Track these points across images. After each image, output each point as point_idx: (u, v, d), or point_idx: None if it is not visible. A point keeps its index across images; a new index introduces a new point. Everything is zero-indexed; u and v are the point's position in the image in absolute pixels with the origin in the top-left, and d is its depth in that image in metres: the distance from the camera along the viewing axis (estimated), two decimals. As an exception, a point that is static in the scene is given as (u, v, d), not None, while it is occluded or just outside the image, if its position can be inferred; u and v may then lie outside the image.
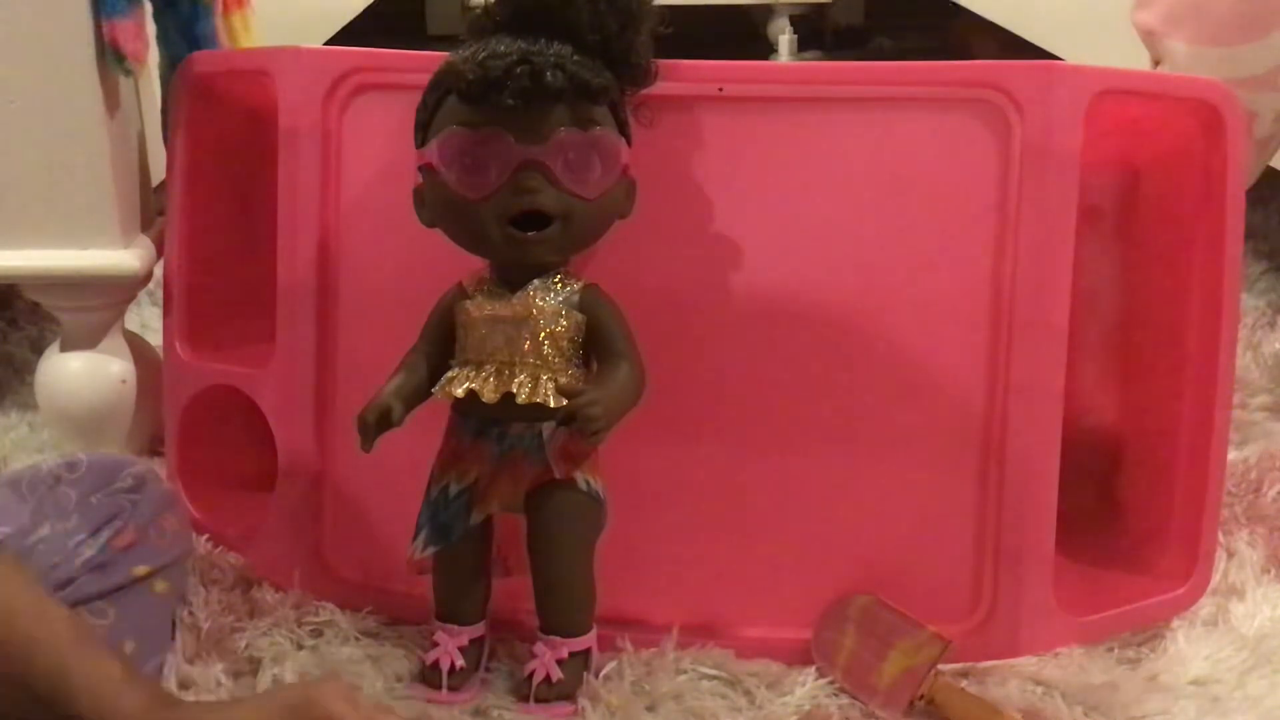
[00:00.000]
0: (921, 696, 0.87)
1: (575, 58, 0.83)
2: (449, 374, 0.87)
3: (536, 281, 0.86)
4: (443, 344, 0.89)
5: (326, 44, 1.74)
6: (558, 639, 0.89)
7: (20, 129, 1.08)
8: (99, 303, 1.14)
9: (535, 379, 0.85)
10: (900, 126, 0.91)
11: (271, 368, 1.01)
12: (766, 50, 2.31)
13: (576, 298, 0.87)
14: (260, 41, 1.25)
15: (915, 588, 0.93)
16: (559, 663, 0.88)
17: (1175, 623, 0.96)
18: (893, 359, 0.92)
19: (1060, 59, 1.38)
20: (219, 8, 1.19)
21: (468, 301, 0.88)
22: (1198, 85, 0.94)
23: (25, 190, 1.10)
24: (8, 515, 0.84)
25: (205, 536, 1.03)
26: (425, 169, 0.86)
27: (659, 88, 0.88)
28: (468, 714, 0.88)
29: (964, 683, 0.89)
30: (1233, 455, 1.12)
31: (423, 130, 0.86)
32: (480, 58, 0.82)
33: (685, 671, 0.90)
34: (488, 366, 0.86)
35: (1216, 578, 0.99)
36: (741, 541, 0.94)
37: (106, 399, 1.16)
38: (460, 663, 0.89)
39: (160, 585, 0.90)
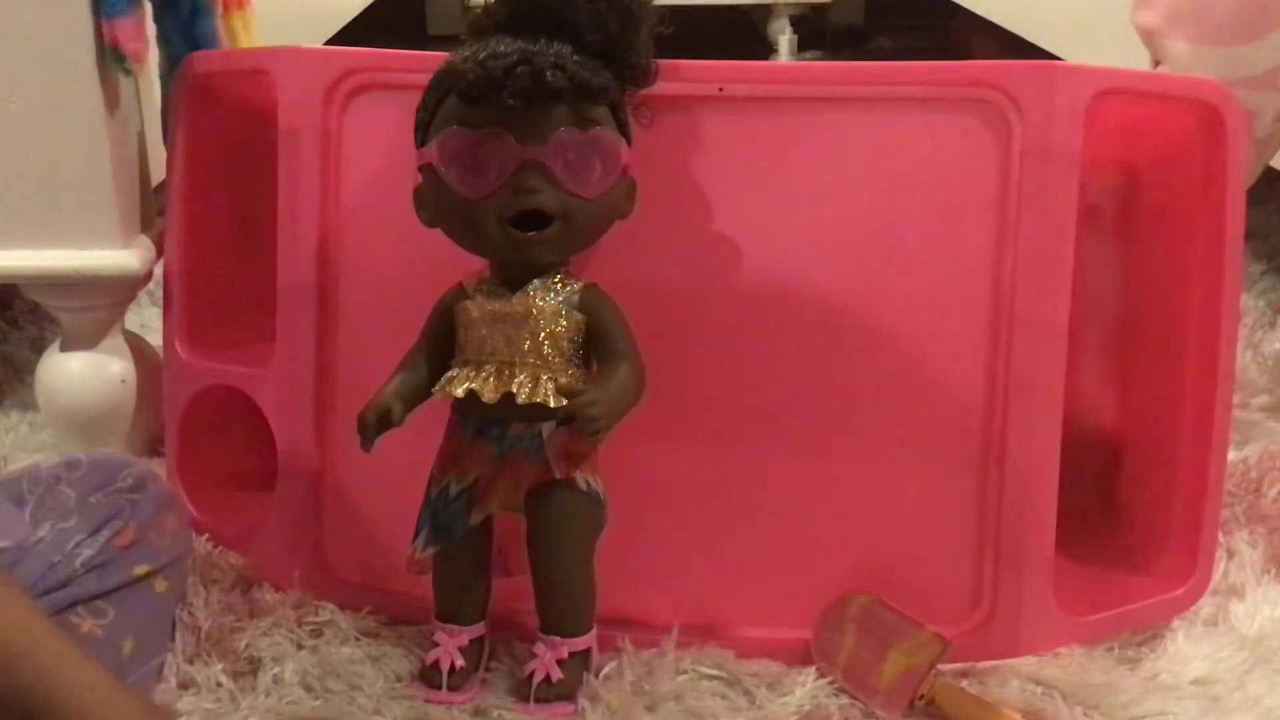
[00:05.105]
0: (921, 696, 0.87)
1: (575, 58, 0.82)
2: (449, 374, 0.87)
3: (536, 281, 0.86)
4: (443, 344, 0.89)
5: (326, 44, 1.75)
6: (558, 639, 0.89)
7: (20, 129, 1.08)
8: (99, 303, 1.14)
9: (535, 379, 0.85)
10: (900, 126, 0.91)
11: (271, 368, 1.01)
12: (766, 50, 2.32)
13: (576, 298, 0.87)
14: (260, 41, 1.25)
15: (915, 588, 0.93)
16: (559, 663, 0.88)
17: (1175, 623, 0.96)
18: (893, 359, 0.92)
19: (1060, 59, 1.38)
20: (219, 8, 1.19)
21: (468, 301, 0.87)
22: (1198, 85, 0.94)
23: (25, 190, 1.10)
24: (6, 517, 0.84)
25: (205, 536, 1.03)
26: (425, 169, 0.86)
27: (659, 88, 0.88)
28: (468, 714, 0.88)
29: (964, 683, 0.89)
30: (1233, 455, 1.12)
31: (423, 130, 0.86)
32: (480, 58, 0.82)
33: (685, 671, 0.90)
34: (488, 366, 0.86)
35: (1216, 578, 0.99)
36: (741, 541, 0.94)
37: (106, 399, 1.16)
38: (460, 663, 0.89)
39: (160, 585, 0.90)
